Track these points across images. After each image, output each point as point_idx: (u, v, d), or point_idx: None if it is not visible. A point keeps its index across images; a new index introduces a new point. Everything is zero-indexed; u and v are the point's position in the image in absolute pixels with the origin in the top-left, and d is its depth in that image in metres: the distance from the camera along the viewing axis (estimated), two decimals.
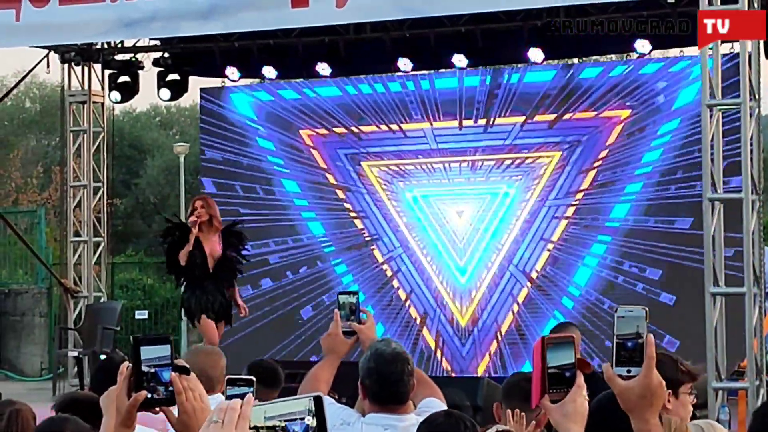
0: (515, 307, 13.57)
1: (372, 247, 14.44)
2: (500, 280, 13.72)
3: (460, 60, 14.27)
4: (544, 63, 14.15)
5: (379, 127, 14.42)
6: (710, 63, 9.77)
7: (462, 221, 14.13)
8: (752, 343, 9.76)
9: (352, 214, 14.59)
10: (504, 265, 13.73)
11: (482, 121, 13.85)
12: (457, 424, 3.92)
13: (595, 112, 12.91)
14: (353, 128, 14.63)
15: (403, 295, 14.18)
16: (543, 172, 13.34)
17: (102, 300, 16.18)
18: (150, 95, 16.21)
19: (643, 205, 12.88)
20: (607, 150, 12.87)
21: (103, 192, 16.27)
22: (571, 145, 13.03)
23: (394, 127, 14.38)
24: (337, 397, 5.24)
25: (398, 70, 14.58)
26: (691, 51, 12.98)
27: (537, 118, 13.45)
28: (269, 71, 15.15)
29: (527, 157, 13.44)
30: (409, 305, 14.02)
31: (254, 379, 3.65)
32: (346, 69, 14.95)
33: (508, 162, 13.61)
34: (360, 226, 14.53)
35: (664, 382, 2.86)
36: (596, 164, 12.98)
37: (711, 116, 9.80)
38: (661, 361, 5.24)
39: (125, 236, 33.01)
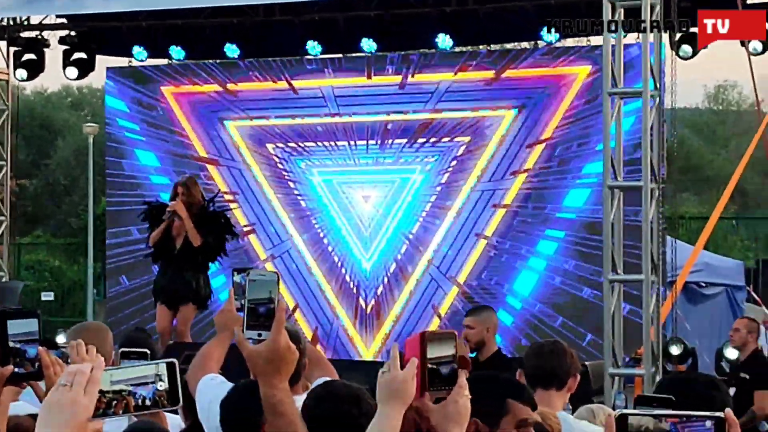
0: (436, 320, 10.68)
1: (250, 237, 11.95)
2: (421, 285, 11.19)
3: (369, 44, 14.29)
4: (455, 48, 14.21)
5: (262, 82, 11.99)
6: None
7: (368, 206, 12.01)
8: (649, 330, 9.90)
9: (228, 197, 12.26)
10: (424, 265, 11.29)
11: (397, 78, 11.15)
12: (356, 398, 3.76)
13: (548, 69, 9.95)
14: (229, 85, 12.18)
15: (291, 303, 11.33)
16: (475, 147, 10.34)
17: (4, 280, 15.96)
18: (61, 75, 16.00)
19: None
20: (562, 118, 9.99)
21: (6, 171, 16.04)
22: (515, 110, 10.02)
23: (282, 83, 11.84)
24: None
25: (307, 53, 14.55)
26: (597, 41, 13.08)
27: (470, 74, 10.70)
28: (177, 51, 15.02)
29: (452, 128, 10.57)
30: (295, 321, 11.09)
31: (149, 352, 3.68)
32: (254, 51, 14.87)
33: (423, 140, 11.04)
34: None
35: (294, 347, 2.82)
36: (546, 137, 10.01)
37: (612, 104, 9.92)
38: (554, 351, 5.25)
39: (34, 217, 32.59)
